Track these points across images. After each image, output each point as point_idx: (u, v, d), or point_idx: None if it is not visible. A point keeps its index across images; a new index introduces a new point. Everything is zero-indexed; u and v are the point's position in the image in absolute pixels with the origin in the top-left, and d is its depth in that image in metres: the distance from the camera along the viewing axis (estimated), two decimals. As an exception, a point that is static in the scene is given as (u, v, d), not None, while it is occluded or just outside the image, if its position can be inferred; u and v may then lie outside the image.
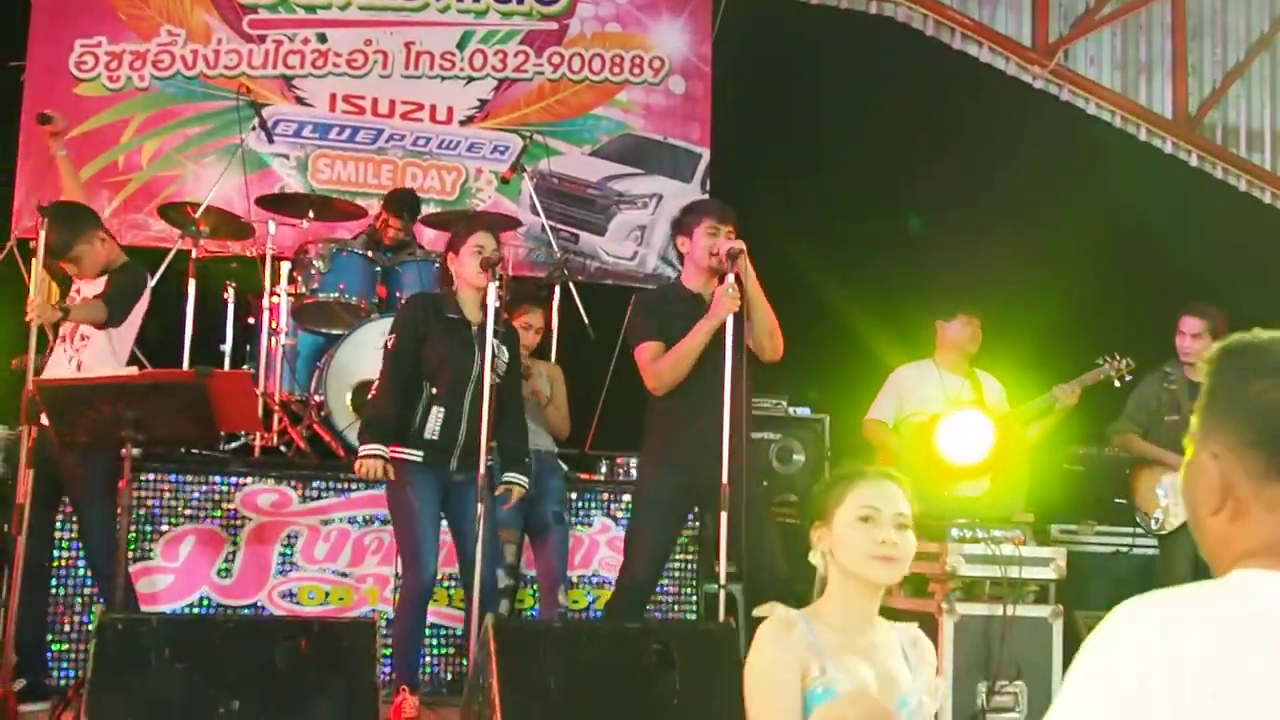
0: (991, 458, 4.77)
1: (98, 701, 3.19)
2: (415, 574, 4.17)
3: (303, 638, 3.39)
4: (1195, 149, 8.06)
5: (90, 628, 4.24)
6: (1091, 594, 5.72)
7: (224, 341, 5.70)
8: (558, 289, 5.98)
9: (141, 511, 4.67)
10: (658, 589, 5.16)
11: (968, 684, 4.16)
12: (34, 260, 4.27)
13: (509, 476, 4.32)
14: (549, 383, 5.09)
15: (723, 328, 4.11)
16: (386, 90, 7.18)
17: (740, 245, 4.18)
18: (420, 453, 4.18)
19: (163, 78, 6.94)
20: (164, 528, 4.72)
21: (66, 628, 4.55)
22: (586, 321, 5.88)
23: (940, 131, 7.34)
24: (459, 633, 4.83)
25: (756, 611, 2.27)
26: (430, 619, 4.69)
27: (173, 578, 4.72)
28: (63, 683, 4.41)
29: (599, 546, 5.23)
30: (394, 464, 4.15)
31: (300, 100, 7.10)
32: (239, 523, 4.81)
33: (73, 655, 4.52)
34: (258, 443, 5.31)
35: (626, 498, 5.19)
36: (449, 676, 4.91)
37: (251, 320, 5.70)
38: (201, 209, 5.57)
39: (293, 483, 4.90)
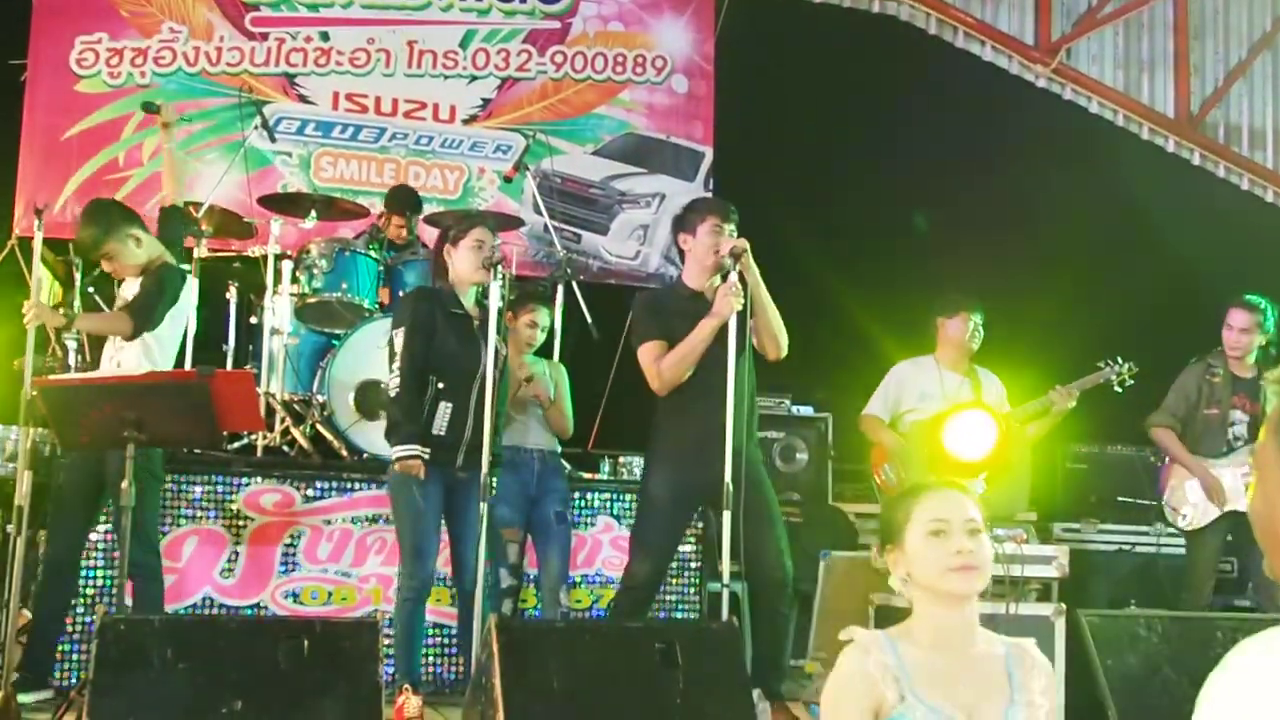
0: (994, 456, 4.77)
1: (100, 702, 3.18)
2: (415, 572, 4.17)
3: (305, 638, 3.37)
4: (1197, 148, 8.06)
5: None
6: (1094, 592, 5.73)
7: (226, 341, 5.69)
8: (561, 288, 5.97)
9: (144, 511, 4.66)
10: (664, 588, 5.17)
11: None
12: (35, 259, 4.27)
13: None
14: (552, 382, 5.08)
15: (726, 327, 4.10)
16: (389, 89, 7.19)
17: (743, 243, 4.17)
18: (427, 450, 4.17)
19: (164, 74, 6.94)
20: (166, 528, 4.71)
21: (69, 628, 4.55)
22: (589, 321, 5.87)
23: (943, 130, 7.33)
24: (459, 632, 4.83)
25: (841, 635, 2.22)
26: (433, 618, 4.69)
27: (175, 578, 4.71)
28: (65, 683, 4.41)
29: (602, 546, 5.22)
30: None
31: (303, 98, 7.10)
32: (242, 523, 4.81)
33: (75, 656, 4.51)
34: (260, 443, 5.30)
35: (629, 497, 5.18)
36: (451, 676, 4.90)
37: (254, 320, 5.69)
38: (204, 208, 5.57)
39: (295, 483, 4.89)
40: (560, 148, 7.18)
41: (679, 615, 5.25)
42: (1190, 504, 5.24)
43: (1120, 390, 5.29)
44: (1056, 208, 7.53)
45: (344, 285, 5.41)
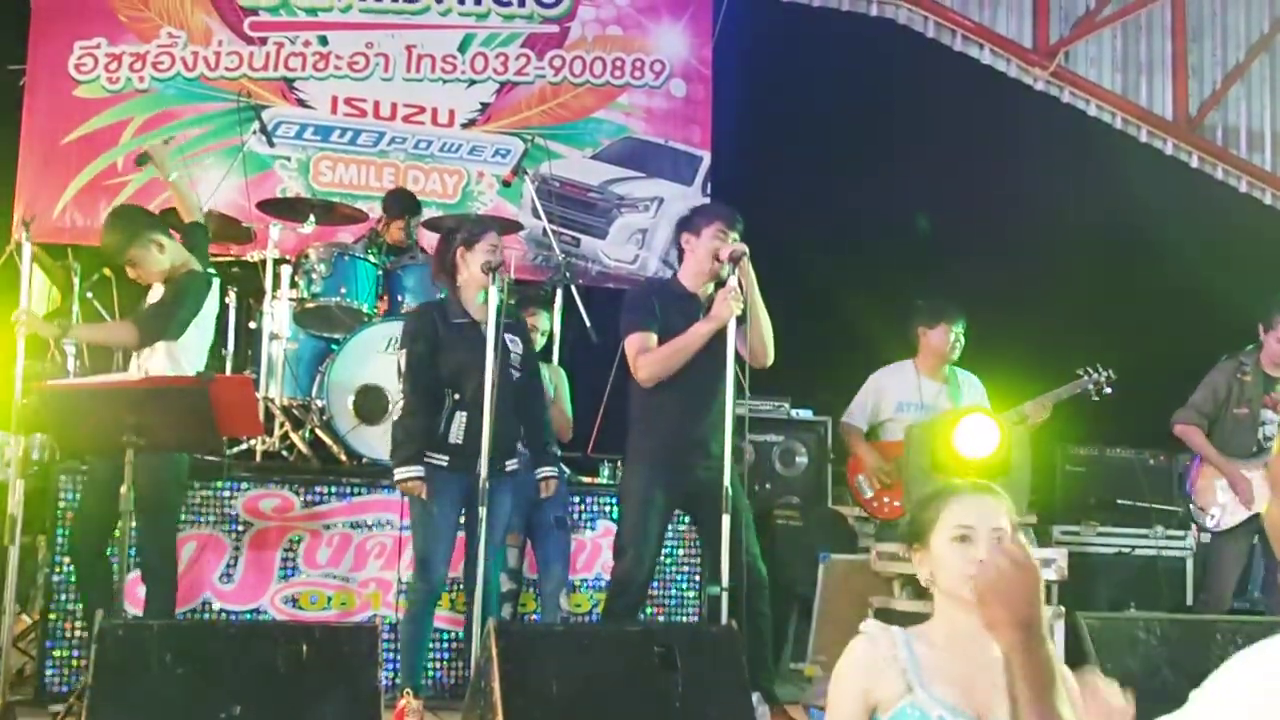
0: (996, 458, 4.76)
1: (99, 708, 3.17)
2: (424, 578, 4.19)
3: (304, 642, 3.37)
4: (1196, 150, 8.07)
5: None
6: (1094, 595, 5.72)
7: (225, 346, 5.69)
8: (559, 292, 5.98)
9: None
10: (663, 592, 5.17)
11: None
12: (34, 264, 4.28)
13: (543, 471, 4.38)
14: (551, 386, 5.09)
15: (721, 331, 4.11)
16: (388, 93, 7.19)
17: (744, 248, 4.18)
18: (446, 457, 4.19)
19: (163, 79, 6.94)
20: (166, 533, 4.71)
21: (68, 633, 4.54)
22: (588, 325, 5.87)
23: (941, 133, 7.34)
24: (461, 637, 4.82)
25: (861, 627, 2.21)
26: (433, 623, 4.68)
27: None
28: (64, 690, 4.41)
29: (601, 550, 5.22)
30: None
31: (301, 103, 7.10)
32: (241, 528, 4.81)
33: (73, 662, 4.51)
34: (260, 448, 5.29)
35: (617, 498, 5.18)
36: (451, 681, 4.90)
37: (253, 324, 5.69)
38: (203, 213, 5.56)
39: (295, 487, 4.89)
40: (559, 152, 7.18)
41: (679, 619, 5.24)
42: (1219, 504, 5.20)
43: (1098, 399, 5.29)
44: (1055, 210, 7.54)
45: (343, 290, 5.41)
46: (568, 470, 5.29)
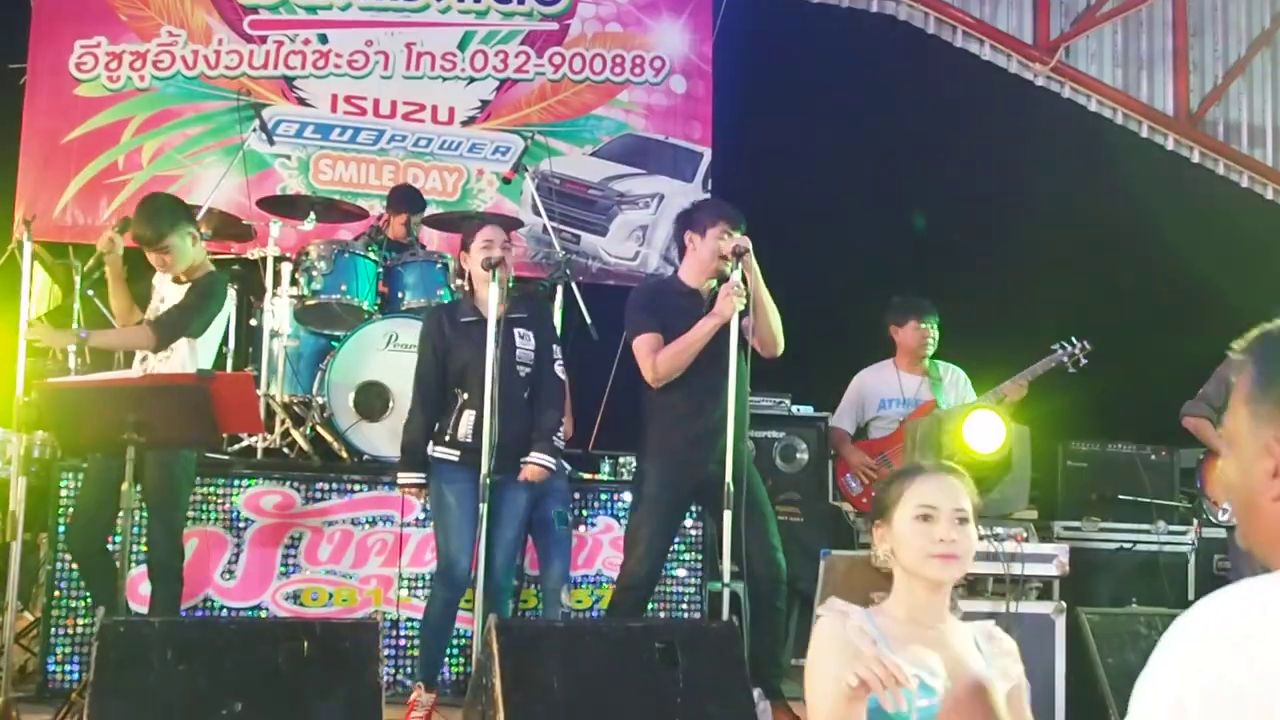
0: (1001, 453, 4.77)
1: (100, 704, 3.18)
2: (446, 572, 4.23)
3: (305, 639, 3.38)
4: (1197, 145, 8.05)
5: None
6: (1095, 591, 5.71)
7: (226, 343, 5.69)
8: (560, 289, 5.98)
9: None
10: (663, 587, 5.17)
11: (971, 681, 4.14)
12: (35, 262, 4.28)
13: (533, 455, 4.31)
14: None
15: (726, 326, 4.11)
16: (388, 91, 7.19)
17: (746, 243, 4.19)
18: (456, 453, 4.24)
19: (163, 78, 6.95)
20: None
21: (70, 630, 4.55)
22: (589, 322, 5.87)
23: (942, 129, 7.33)
24: (465, 633, 4.83)
25: (819, 609, 2.27)
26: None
27: (176, 580, 4.71)
28: (67, 686, 4.42)
29: (602, 546, 5.22)
30: (433, 464, 4.25)
31: (301, 101, 7.10)
32: (242, 524, 4.81)
33: (76, 658, 4.51)
34: (260, 445, 5.30)
35: (629, 497, 5.18)
36: (453, 677, 4.90)
37: (254, 322, 5.69)
38: (203, 211, 5.57)
39: (296, 484, 4.90)
40: (559, 149, 7.18)
41: (681, 615, 5.24)
42: None
43: (1074, 371, 5.31)
44: (1056, 206, 7.53)
45: (343, 287, 5.41)
46: (569, 467, 5.29)
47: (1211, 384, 5.32)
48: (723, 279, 4.25)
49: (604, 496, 5.27)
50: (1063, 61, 7.89)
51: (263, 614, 4.73)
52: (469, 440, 4.22)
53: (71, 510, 4.46)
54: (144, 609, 4.39)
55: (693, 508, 4.80)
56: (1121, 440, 6.37)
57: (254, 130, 6.40)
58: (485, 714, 3.32)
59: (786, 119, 7.31)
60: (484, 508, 4.08)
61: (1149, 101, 8.03)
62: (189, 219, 4.38)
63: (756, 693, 3.83)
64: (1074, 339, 5.33)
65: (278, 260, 5.48)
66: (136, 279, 4.48)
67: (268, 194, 6.22)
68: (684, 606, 5.26)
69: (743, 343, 4.19)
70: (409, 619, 4.81)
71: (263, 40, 7.07)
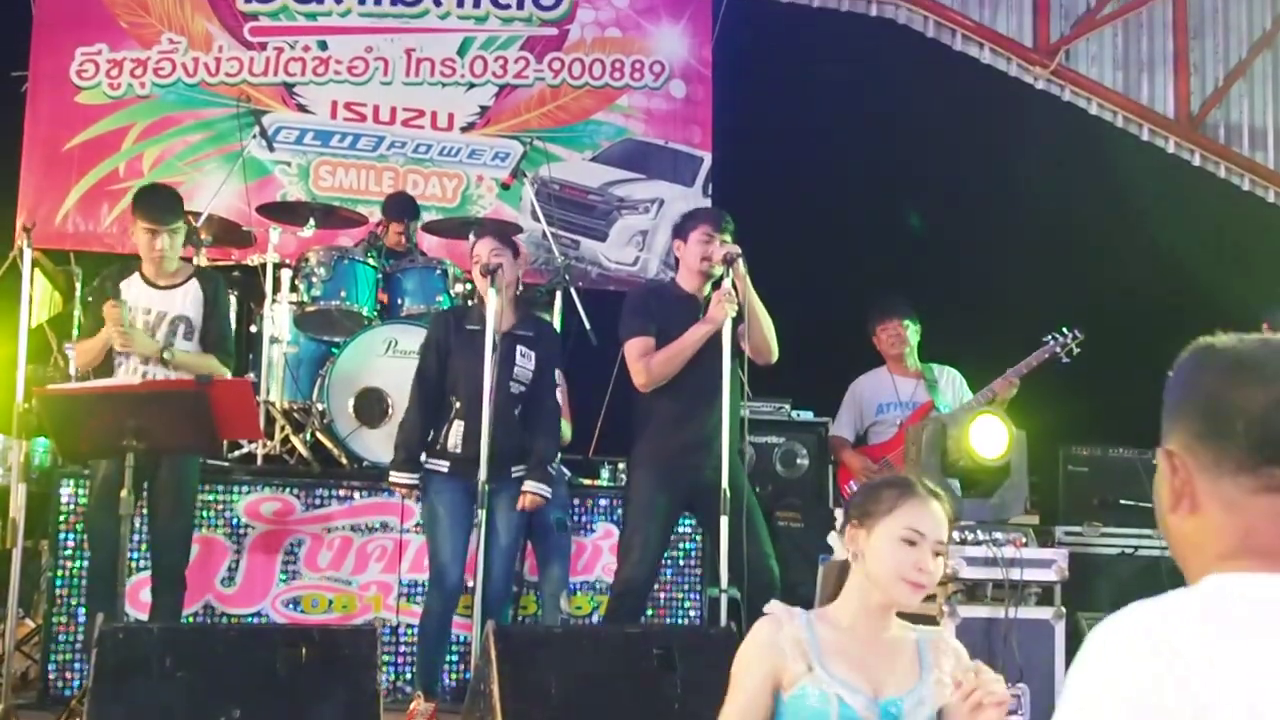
0: (1001, 464, 4.76)
1: (99, 710, 3.19)
2: (438, 583, 4.23)
3: (303, 645, 3.38)
4: (1198, 148, 8.04)
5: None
6: (1097, 596, 5.70)
7: (226, 349, 5.71)
8: (559, 295, 5.98)
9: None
10: (663, 593, 5.17)
11: (970, 687, 4.14)
12: (37, 270, 4.30)
13: (528, 485, 4.32)
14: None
15: (719, 332, 4.12)
16: (387, 97, 7.20)
17: (736, 249, 4.20)
18: (446, 464, 4.24)
19: (164, 85, 6.96)
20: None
21: (69, 637, 4.56)
22: (589, 327, 5.88)
23: (942, 133, 7.33)
24: (463, 639, 4.83)
25: (765, 608, 2.28)
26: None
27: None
28: (65, 691, 4.43)
29: (601, 552, 5.23)
30: (424, 475, 4.25)
31: (301, 107, 7.12)
32: (242, 531, 4.82)
33: (77, 665, 4.52)
34: (260, 451, 5.31)
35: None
36: (453, 684, 4.90)
37: (253, 328, 5.70)
38: (203, 217, 5.59)
39: (295, 491, 4.91)
40: (558, 154, 7.19)
41: (680, 621, 5.24)
42: None
43: (1068, 360, 5.30)
44: (1056, 210, 7.52)
45: (343, 293, 5.42)
46: (568, 473, 5.30)
47: None
48: (719, 283, 4.26)
49: (603, 502, 5.28)
50: (1063, 64, 7.89)
51: (263, 620, 4.74)
52: (458, 450, 4.23)
53: (79, 518, 4.47)
54: (143, 615, 4.40)
55: (688, 514, 4.79)
56: (1123, 445, 6.37)
57: (254, 137, 6.42)
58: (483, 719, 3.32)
59: (786, 123, 7.31)
60: (483, 514, 4.08)
61: (1149, 104, 8.02)
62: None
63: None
64: (1065, 329, 5.33)
65: (277, 266, 5.50)
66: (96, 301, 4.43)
67: (268, 200, 6.23)
68: (682, 613, 5.26)
69: (736, 350, 4.20)
70: (408, 625, 4.82)
71: (263, 47, 7.08)
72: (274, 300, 5.46)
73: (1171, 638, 1.07)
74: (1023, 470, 4.53)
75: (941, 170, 7.24)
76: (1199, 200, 7.90)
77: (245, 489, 4.85)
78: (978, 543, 4.28)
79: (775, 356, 4.39)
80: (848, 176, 7.23)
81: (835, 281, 7.02)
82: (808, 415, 6.30)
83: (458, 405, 4.26)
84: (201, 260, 5.54)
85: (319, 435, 5.36)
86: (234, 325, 4.49)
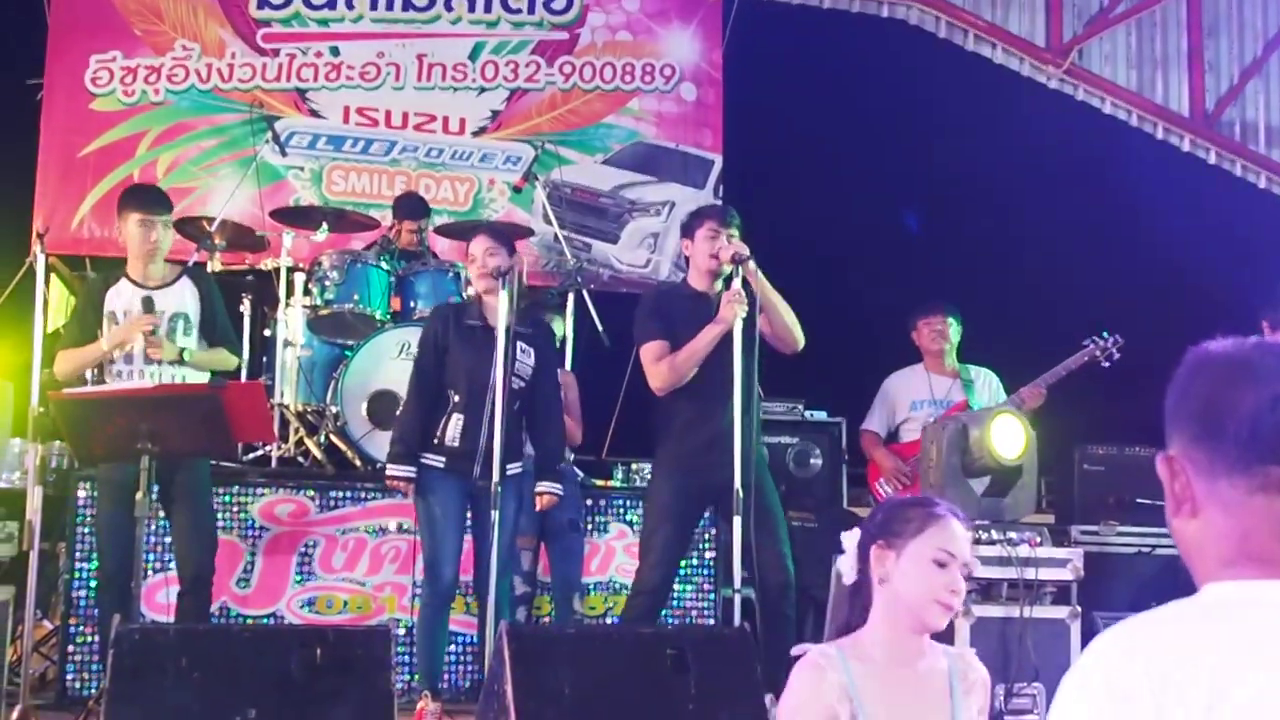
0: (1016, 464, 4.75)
1: (116, 711, 3.20)
2: (431, 580, 4.22)
3: (318, 646, 3.39)
4: (1213, 147, 8.00)
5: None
6: (1113, 595, 5.67)
7: (240, 353, 5.73)
8: (571, 297, 6.00)
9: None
10: (676, 594, 5.16)
11: (985, 687, 4.13)
12: (51, 275, 4.33)
13: (541, 486, 4.34)
14: (563, 389, 5.10)
15: (731, 332, 4.12)
16: (399, 102, 7.23)
17: (745, 250, 4.21)
18: (442, 459, 4.23)
19: (177, 91, 7.01)
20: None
21: (86, 638, 4.58)
22: (601, 329, 5.89)
23: (955, 134, 7.31)
24: (475, 640, 4.84)
25: (794, 651, 2.23)
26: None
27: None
28: (85, 694, 4.45)
29: (615, 553, 5.22)
30: (419, 470, 4.23)
31: (314, 113, 7.15)
32: (257, 533, 4.84)
33: (95, 666, 4.54)
34: (274, 454, 5.33)
35: (642, 504, 5.18)
36: (466, 684, 4.91)
37: (267, 332, 5.73)
38: (217, 222, 5.62)
39: (310, 493, 4.92)
40: (569, 157, 7.21)
41: (694, 621, 5.23)
42: None
43: (1107, 365, 5.27)
44: (1070, 210, 7.50)
45: (355, 296, 5.44)
46: (581, 474, 5.30)
47: None
48: (727, 281, 4.26)
49: (617, 503, 5.28)
50: (1076, 64, 7.86)
51: (278, 622, 4.76)
52: (455, 445, 4.22)
53: (93, 520, 4.49)
54: (159, 617, 4.42)
55: (707, 514, 4.80)
56: (1139, 444, 6.33)
57: (267, 142, 6.46)
58: (496, 720, 3.32)
59: (797, 124, 7.31)
60: (495, 515, 4.08)
61: (1164, 103, 7.99)
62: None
63: (769, 699, 3.82)
64: (1105, 333, 5.30)
65: (291, 271, 5.53)
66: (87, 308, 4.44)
67: (281, 205, 6.27)
68: (695, 613, 5.26)
69: (750, 347, 4.20)
70: (423, 626, 4.82)
71: (275, 53, 7.12)
72: (287, 304, 5.49)
73: (1166, 652, 1.07)
74: (1034, 470, 4.52)
75: (952, 170, 7.22)
76: (1214, 199, 7.86)
77: (260, 491, 4.86)
78: (992, 542, 4.27)
79: (801, 343, 4.38)
80: (859, 178, 7.22)
81: (847, 283, 7.02)
82: (821, 415, 6.29)
83: (456, 399, 4.26)
84: (216, 265, 5.58)
85: (333, 438, 5.38)
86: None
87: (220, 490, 4.76)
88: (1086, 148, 7.75)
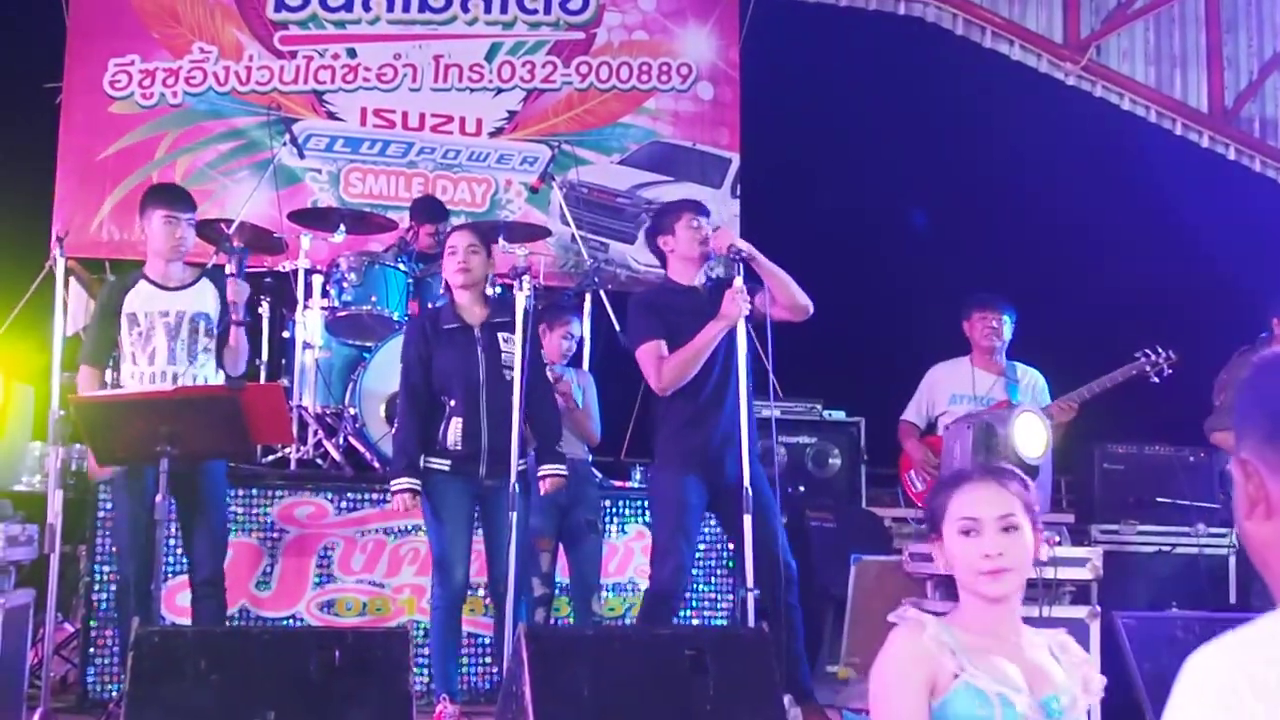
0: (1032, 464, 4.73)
1: (136, 713, 3.22)
2: (442, 582, 4.22)
3: (336, 648, 3.40)
4: (1232, 142, 7.95)
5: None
6: (1133, 594, 5.64)
7: (259, 355, 5.76)
8: (588, 297, 6.00)
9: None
10: (695, 593, 5.16)
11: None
12: (71, 278, 4.36)
13: (544, 468, 4.32)
14: (579, 389, 5.10)
15: (732, 330, 4.12)
16: (416, 103, 7.24)
17: (741, 244, 4.23)
18: (448, 462, 4.22)
19: (195, 94, 7.04)
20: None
21: (109, 642, 4.60)
22: (618, 329, 5.88)
23: (973, 131, 7.28)
24: (490, 641, 4.84)
25: (891, 616, 2.21)
26: (466, 628, 4.70)
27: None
28: (106, 696, 4.47)
29: (633, 554, 5.22)
30: (424, 474, 4.21)
31: (331, 115, 7.17)
32: (276, 535, 4.85)
33: (116, 669, 4.56)
34: (293, 455, 5.35)
35: (647, 505, 5.18)
36: (485, 685, 4.92)
37: (285, 334, 5.75)
38: (235, 225, 5.64)
39: (329, 495, 4.94)
40: (586, 158, 7.21)
41: (711, 621, 5.23)
42: None
43: (1158, 380, 5.22)
44: (1090, 206, 7.45)
45: (373, 298, 5.46)
46: (599, 475, 5.30)
47: (1227, 393, 5.23)
48: (731, 281, 4.24)
49: (635, 504, 5.28)
50: (1094, 60, 7.82)
51: (297, 624, 4.77)
52: (458, 448, 4.21)
53: (114, 522, 4.52)
54: (179, 620, 4.44)
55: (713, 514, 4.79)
56: (1159, 442, 6.30)
57: (284, 144, 6.48)
58: (515, 722, 3.32)
59: (814, 123, 7.29)
60: (514, 516, 4.08)
61: (1182, 99, 7.94)
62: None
63: (787, 699, 3.82)
64: (1158, 347, 5.24)
65: (309, 273, 5.55)
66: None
67: (299, 207, 6.29)
68: (710, 614, 5.25)
69: (753, 347, 4.19)
70: (442, 628, 4.82)
71: (293, 55, 7.15)
72: (305, 306, 5.50)
73: (1267, 672, 1.06)
74: (1049, 470, 4.49)
75: (969, 168, 7.19)
76: (1234, 195, 7.81)
77: (279, 493, 4.88)
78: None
79: (811, 308, 4.33)
80: (877, 176, 7.19)
81: (865, 282, 6.99)
82: (840, 415, 6.29)
83: (452, 404, 4.24)
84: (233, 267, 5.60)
85: (351, 439, 5.39)
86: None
87: (239, 492, 4.78)
88: (1104, 144, 7.71)
